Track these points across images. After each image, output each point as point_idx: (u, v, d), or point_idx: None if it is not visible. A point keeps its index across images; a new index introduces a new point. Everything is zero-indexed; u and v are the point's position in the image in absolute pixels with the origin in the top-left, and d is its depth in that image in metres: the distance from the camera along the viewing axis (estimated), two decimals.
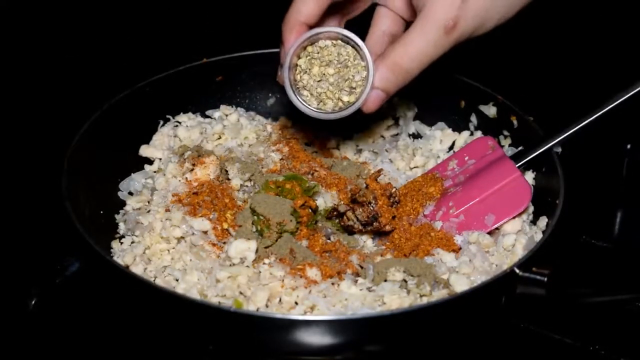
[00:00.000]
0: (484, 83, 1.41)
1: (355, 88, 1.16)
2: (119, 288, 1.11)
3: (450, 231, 1.21)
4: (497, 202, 1.21)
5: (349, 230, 1.23)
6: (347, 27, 1.25)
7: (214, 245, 1.18)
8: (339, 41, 1.16)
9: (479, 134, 1.41)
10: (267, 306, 1.09)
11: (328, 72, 1.16)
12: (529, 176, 1.29)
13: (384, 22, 1.24)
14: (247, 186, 1.29)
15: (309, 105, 1.18)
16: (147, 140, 1.38)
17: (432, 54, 1.07)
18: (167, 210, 1.23)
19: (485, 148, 1.32)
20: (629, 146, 1.50)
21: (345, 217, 1.21)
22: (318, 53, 1.17)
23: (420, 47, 1.07)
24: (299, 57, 1.17)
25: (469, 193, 1.23)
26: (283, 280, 1.11)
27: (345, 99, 1.16)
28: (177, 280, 1.14)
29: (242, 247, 1.14)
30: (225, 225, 1.20)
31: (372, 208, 1.18)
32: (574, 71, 1.68)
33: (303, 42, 1.15)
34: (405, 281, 1.12)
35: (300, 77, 1.18)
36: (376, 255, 1.19)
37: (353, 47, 1.15)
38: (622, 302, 1.20)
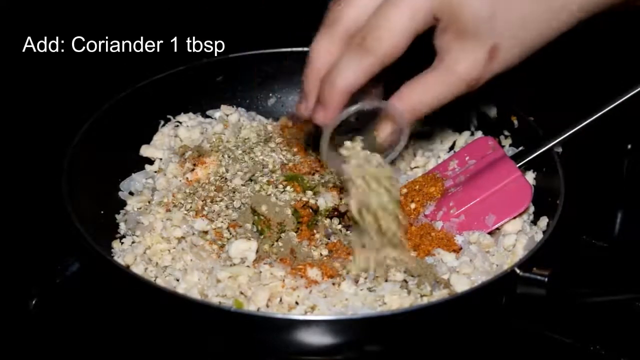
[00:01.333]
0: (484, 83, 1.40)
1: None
2: (119, 288, 1.11)
3: (451, 231, 1.21)
4: (497, 202, 1.21)
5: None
6: None
7: (214, 245, 1.18)
8: None
9: (479, 134, 1.41)
10: (267, 306, 1.09)
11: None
12: (530, 176, 1.29)
13: None
14: (247, 186, 1.28)
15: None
16: (147, 140, 1.38)
17: (449, 99, 1.09)
18: (168, 210, 1.23)
19: (485, 148, 1.32)
20: (629, 146, 1.50)
21: (345, 217, 1.21)
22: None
23: (440, 93, 1.08)
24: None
25: (469, 193, 1.23)
26: (283, 280, 1.11)
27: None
28: (177, 280, 1.14)
29: (243, 247, 1.14)
30: (226, 225, 1.20)
31: None
32: (574, 72, 1.68)
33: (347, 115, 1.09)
34: (406, 281, 1.12)
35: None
36: None
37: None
38: (622, 302, 1.20)
